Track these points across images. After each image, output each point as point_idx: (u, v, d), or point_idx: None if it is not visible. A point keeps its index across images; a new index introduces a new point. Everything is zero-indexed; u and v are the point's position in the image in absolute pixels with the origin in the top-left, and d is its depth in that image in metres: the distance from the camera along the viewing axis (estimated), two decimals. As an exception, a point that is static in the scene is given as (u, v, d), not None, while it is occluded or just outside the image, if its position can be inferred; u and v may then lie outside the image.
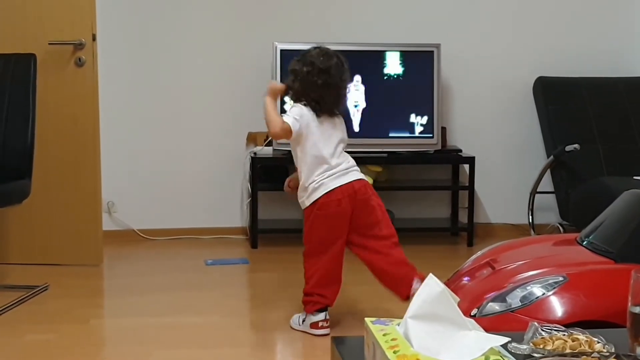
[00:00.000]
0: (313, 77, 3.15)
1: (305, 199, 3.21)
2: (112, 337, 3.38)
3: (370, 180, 4.69)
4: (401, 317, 1.42)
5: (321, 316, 3.22)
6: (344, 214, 3.18)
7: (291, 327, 3.31)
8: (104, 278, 4.16)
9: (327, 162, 3.18)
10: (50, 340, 3.18)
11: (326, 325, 3.22)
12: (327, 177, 3.17)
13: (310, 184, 3.18)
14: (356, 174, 3.24)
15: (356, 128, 4.68)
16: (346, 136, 3.30)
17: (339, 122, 3.28)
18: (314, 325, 3.22)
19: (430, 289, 1.33)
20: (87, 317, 3.48)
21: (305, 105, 3.19)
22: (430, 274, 1.37)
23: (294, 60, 3.26)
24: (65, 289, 3.84)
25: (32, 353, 3.08)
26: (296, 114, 3.16)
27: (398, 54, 4.73)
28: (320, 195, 3.16)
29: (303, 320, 3.27)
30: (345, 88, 3.27)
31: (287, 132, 3.13)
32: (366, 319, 1.43)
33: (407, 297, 3.15)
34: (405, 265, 3.24)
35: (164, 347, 3.14)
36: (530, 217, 4.80)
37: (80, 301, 3.68)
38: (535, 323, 1.51)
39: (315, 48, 3.26)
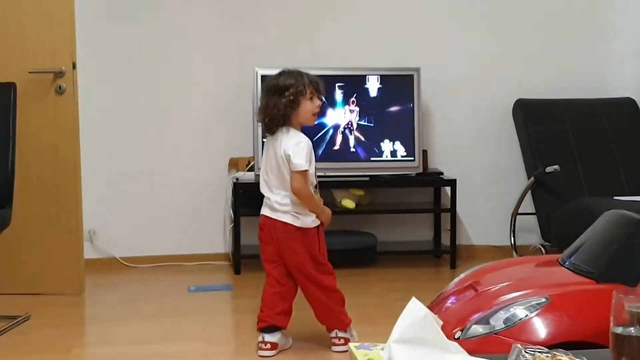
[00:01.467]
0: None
1: None
2: (95, 366, 3.35)
3: (352, 205, 4.74)
4: (385, 342, 1.42)
5: (260, 337, 3.24)
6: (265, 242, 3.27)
7: None
8: (85, 307, 4.13)
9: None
10: (32, 371, 3.15)
11: (264, 347, 3.21)
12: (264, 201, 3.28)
13: None
14: (273, 212, 3.22)
15: (338, 152, 4.69)
16: (279, 153, 3.16)
17: (278, 139, 3.19)
18: (257, 345, 3.26)
19: (413, 313, 1.33)
20: (70, 347, 3.44)
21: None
22: (413, 298, 1.37)
23: None
24: (47, 318, 3.81)
25: (13, 384, 3.05)
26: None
27: (378, 78, 4.76)
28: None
29: None
30: (279, 96, 3.16)
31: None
32: (350, 344, 1.43)
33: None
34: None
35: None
36: (513, 238, 4.82)
37: (62, 331, 3.65)
38: (519, 345, 1.51)
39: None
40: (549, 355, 1.57)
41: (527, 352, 1.56)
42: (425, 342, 1.32)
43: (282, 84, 3.18)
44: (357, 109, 4.75)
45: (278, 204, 3.18)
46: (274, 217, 3.20)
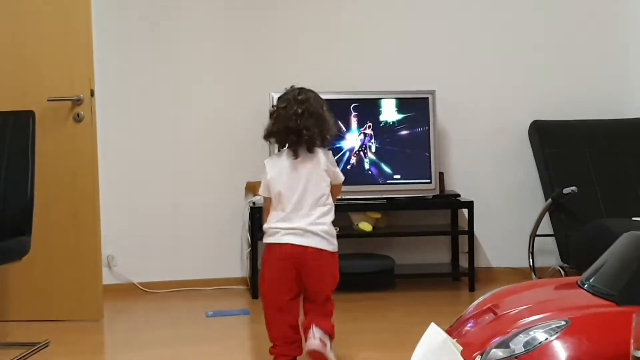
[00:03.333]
0: (293, 108, 3.09)
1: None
2: (114, 393, 3.35)
3: (369, 228, 4.73)
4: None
5: None
6: (287, 271, 3.10)
7: None
8: (104, 333, 4.14)
9: (284, 212, 3.12)
10: (52, 397, 3.15)
11: None
12: (280, 228, 3.10)
13: (267, 228, 3.15)
14: (309, 240, 3.08)
15: (355, 175, 4.70)
16: (319, 173, 3.12)
17: (317, 159, 3.14)
18: None
19: (432, 338, 1.33)
20: (89, 374, 3.45)
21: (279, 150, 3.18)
22: (432, 323, 1.37)
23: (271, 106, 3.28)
24: (66, 345, 3.82)
25: (33, 411, 3.05)
26: (264, 178, 3.19)
27: (394, 101, 4.78)
28: (271, 242, 3.12)
29: None
30: (328, 117, 3.15)
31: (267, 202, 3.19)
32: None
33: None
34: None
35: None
36: (531, 260, 4.79)
37: (81, 357, 3.65)
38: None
39: (290, 88, 3.21)
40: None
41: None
42: (445, 369, 1.31)
43: None
44: (373, 132, 4.76)
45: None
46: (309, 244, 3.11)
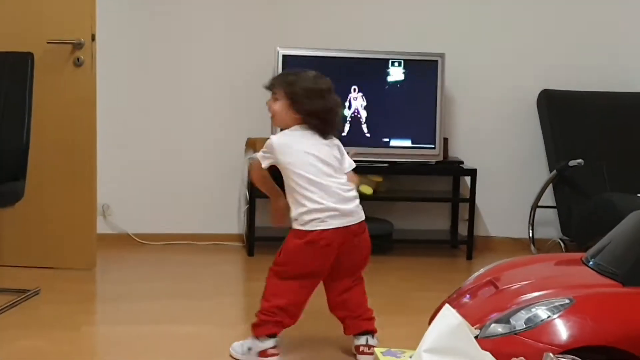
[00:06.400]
0: (334, 98, 2.96)
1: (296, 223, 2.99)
2: (104, 345, 3.31)
3: (369, 191, 4.67)
4: (403, 347, 1.35)
5: (270, 343, 2.93)
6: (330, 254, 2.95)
7: (230, 356, 2.99)
8: (96, 283, 4.09)
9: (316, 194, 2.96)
10: (41, 347, 3.10)
11: (276, 352, 2.94)
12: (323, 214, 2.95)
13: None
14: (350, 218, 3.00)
15: (357, 137, 4.62)
16: (335, 155, 3.02)
17: (333, 144, 3.03)
18: (263, 353, 2.93)
19: (447, 321, 1.26)
20: (79, 324, 3.39)
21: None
22: (447, 305, 1.31)
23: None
24: (57, 293, 3.77)
25: (21, 360, 3.01)
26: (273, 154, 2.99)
27: (402, 62, 4.67)
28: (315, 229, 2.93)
29: (249, 349, 2.95)
30: (332, 101, 2.97)
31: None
32: (376, 349, 1.36)
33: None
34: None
35: (157, 357, 3.06)
36: (531, 231, 4.75)
37: (72, 307, 3.61)
38: (551, 354, 1.45)
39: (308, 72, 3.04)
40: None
41: (558, 362, 1.50)
42: (459, 353, 1.25)
43: None
44: (379, 93, 4.67)
45: None
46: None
